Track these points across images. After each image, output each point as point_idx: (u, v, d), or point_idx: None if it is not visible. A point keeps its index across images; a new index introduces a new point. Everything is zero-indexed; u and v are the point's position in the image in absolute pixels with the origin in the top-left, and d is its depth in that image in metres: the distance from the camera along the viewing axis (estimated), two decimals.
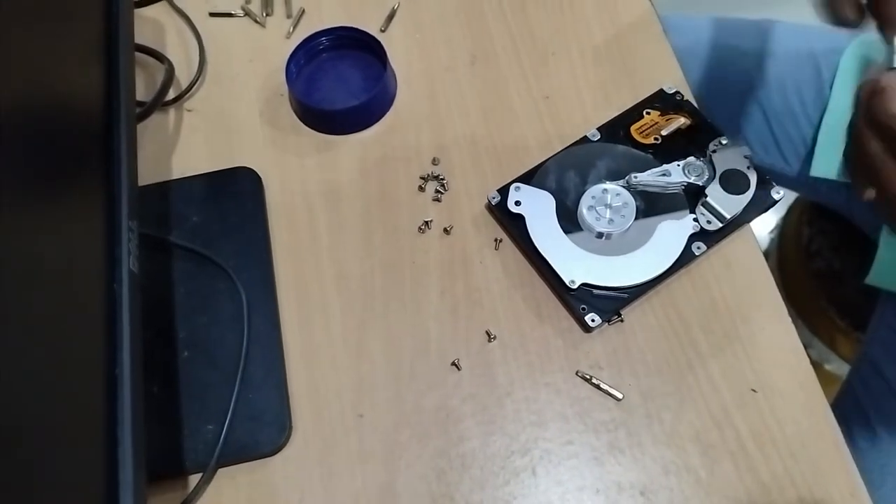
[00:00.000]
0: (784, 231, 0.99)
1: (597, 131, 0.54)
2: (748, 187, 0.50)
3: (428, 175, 0.54)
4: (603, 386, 0.47)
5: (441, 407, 0.47)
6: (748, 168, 0.50)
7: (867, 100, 0.39)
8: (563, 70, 0.58)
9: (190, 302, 0.51)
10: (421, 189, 0.54)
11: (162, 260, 0.52)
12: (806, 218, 0.94)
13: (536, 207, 0.51)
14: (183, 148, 0.58)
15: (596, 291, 0.48)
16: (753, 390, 0.46)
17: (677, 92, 0.55)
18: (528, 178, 0.52)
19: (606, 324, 0.48)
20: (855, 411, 0.66)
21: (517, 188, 0.51)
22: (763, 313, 0.49)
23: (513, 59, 0.59)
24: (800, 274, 0.90)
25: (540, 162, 0.53)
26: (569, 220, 0.50)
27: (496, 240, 0.52)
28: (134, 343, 0.38)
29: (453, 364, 0.48)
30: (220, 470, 0.46)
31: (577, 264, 0.48)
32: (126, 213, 0.41)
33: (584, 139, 0.53)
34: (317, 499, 0.45)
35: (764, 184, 0.50)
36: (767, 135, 0.74)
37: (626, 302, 0.48)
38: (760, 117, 0.74)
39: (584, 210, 0.50)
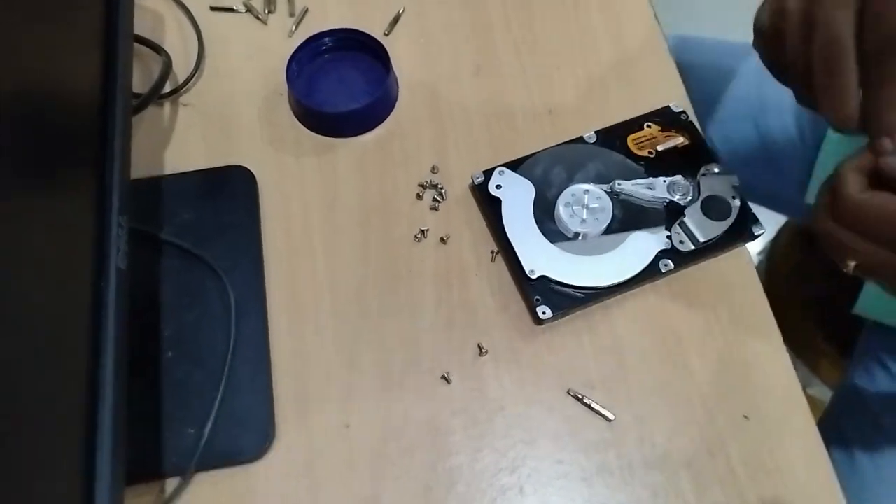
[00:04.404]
0: (773, 254, 1.00)
1: (594, 134, 0.53)
2: (728, 216, 0.50)
3: (426, 183, 0.54)
4: (594, 406, 0.46)
5: (430, 420, 0.46)
6: (733, 198, 0.50)
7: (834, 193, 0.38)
8: (568, 85, 0.58)
9: (177, 300, 0.50)
10: (419, 197, 0.53)
11: (151, 256, 0.51)
12: (798, 242, 0.95)
13: (516, 194, 0.51)
14: (177, 143, 0.56)
15: (553, 286, 0.48)
16: (746, 416, 0.46)
17: (683, 112, 0.55)
18: (515, 165, 0.52)
19: (555, 320, 0.48)
20: (836, 437, 0.66)
21: (501, 172, 0.52)
22: (758, 338, 0.48)
23: (517, 71, 0.58)
24: (787, 297, 0.90)
25: (531, 153, 0.53)
26: (545, 214, 0.51)
27: (492, 252, 0.51)
28: (118, 344, 0.37)
29: (443, 377, 0.47)
30: (199, 474, 0.45)
31: (541, 256, 0.49)
32: (117, 208, 0.40)
33: (580, 139, 0.53)
34: None
35: (746, 217, 0.50)
36: (764, 158, 0.74)
37: (582, 303, 0.48)
38: (757, 140, 0.74)
39: (560, 206, 0.50)
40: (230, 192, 0.54)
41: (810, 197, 0.70)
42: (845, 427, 0.67)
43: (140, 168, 0.54)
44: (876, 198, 0.36)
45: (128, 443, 0.45)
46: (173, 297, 0.50)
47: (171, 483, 0.45)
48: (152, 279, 0.50)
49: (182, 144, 0.56)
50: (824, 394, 0.88)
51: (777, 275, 0.94)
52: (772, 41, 0.42)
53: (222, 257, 0.51)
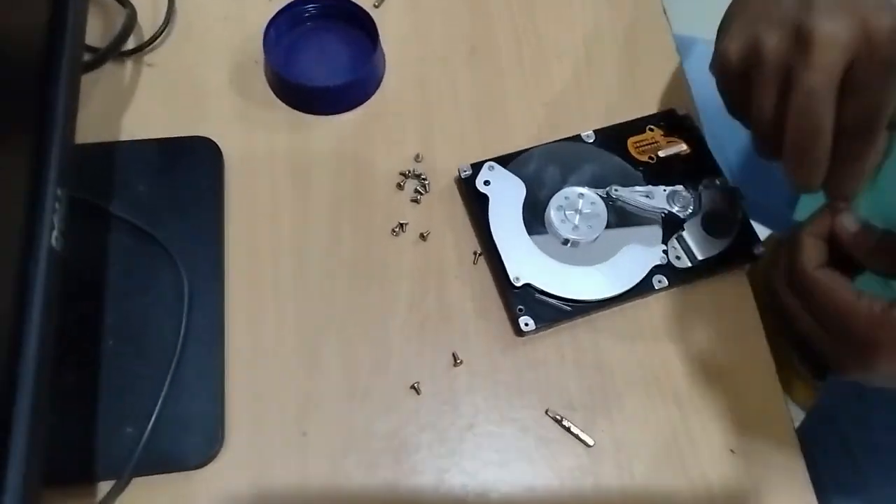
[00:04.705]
0: (754, 267, 0.97)
1: (592, 133, 0.50)
2: (730, 234, 0.47)
3: (409, 172, 0.49)
4: (574, 429, 0.43)
5: (395, 434, 0.43)
6: (735, 214, 0.47)
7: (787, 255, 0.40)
8: (567, 77, 0.54)
9: (123, 284, 0.45)
10: (399, 187, 0.49)
11: (97, 231, 0.46)
12: (767, 260, 0.93)
13: (505, 193, 0.47)
14: (137, 106, 0.51)
15: (539, 296, 0.45)
16: (732, 451, 0.43)
17: (688, 116, 0.51)
18: (506, 160, 0.48)
19: (537, 332, 0.44)
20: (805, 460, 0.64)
21: (491, 167, 0.48)
22: (750, 368, 0.45)
23: (514, 58, 0.54)
24: (765, 314, 0.88)
25: (524, 148, 0.49)
26: (534, 216, 0.47)
27: (475, 253, 0.47)
28: (43, 335, 0.32)
29: (412, 387, 0.44)
30: (135, 480, 0.41)
31: (527, 262, 0.45)
32: (54, 179, 0.35)
33: (577, 138, 0.50)
34: None
35: (748, 236, 0.47)
36: (756, 168, 0.71)
37: (567, 316, 0.45)
38: (751, 151, 0.71)
39: (552, 209, 0.47)
40: (192, 166, 0.49)
41: (799, 213, 0.67)
42: (814, 451, 0.65)
43: (92, 131, 0.49)
44: (827, 280, 0.37)
45: (56, 441, 0.41)
46: (120, 280, 0.45)
47: (105, 487, 0.40)
48: (97, 258, 0.45)
49: (142, 108, 0.51)
50: (796, 415, 0.87)
51: (757, 287, 0.92)
52: (738, 82, 0.40)
53: (178, 238, 0.46)
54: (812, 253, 0.38)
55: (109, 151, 0.49)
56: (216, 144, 0.49)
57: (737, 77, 0.40)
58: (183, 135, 0.50)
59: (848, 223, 0.39)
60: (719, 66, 0.41)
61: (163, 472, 0.41)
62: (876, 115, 0.36)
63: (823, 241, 0.40)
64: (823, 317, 0.38)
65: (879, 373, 0.36)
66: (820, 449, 0.66)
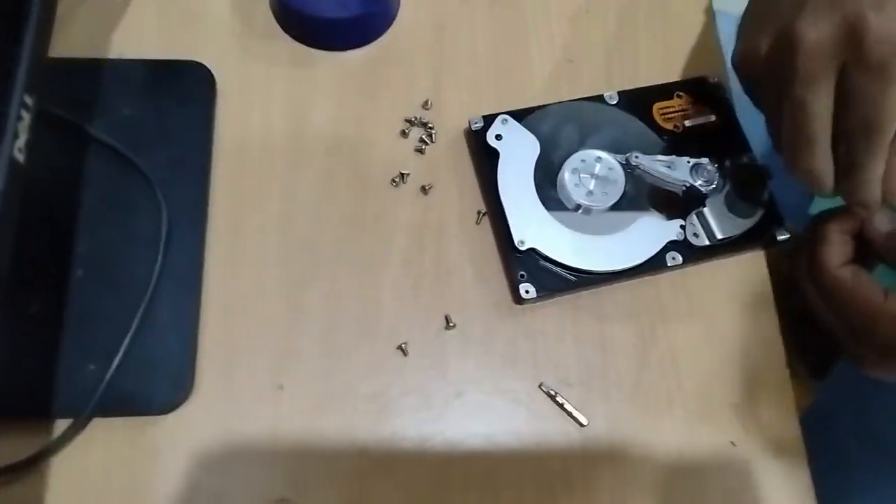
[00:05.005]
0: (778, 253, 0.95)
1: (616, 94, 0.46)
2: (754, 214, 0.44)
3: (415, 119, 0.46)
4: (567, 407, 0.40)
5: (377, 395, 0.40)
6: (762, 195, 0.44)
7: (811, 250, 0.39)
8: (596, 34, 0.50)
9: (98, 211, 0.42)
10: (404, 134, 0.46)
11: (72, 152, 0.43)
12: (792, 249, 0.90)
13: (517, 150, 0.44)
14: (129, 23, 0.47)
15: (543, 263, 0.42)
16: (733, 443, 0.41)
17: (720, 85, 0.47)
18: (521, 115, 0.45)
19: (538, 301, 0.41)
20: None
21: (504, 121, 0.44)
22: (760, 357, 0.43)
23: (539, 8, 0.50)
24: (783, 301, 0.86)
25: (542, 104, 0.45)
26: (546, 177, 0.43)
27: (479, 212, 0.44)
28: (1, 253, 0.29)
29: (399, 348, 0.41)
30: (96, 420, 0.38)
31: (534, 226, 0.42)
32: (22, 83, 0.31)
33: (600, 98, 0.46)
34: (206, 478, 0.37)
35: (772, 218, 0.44)
36: (775, 160, 0.68)
37: (572, 287, 0.42)
38: (771, 140, 0.68)
39: (566, 171, 0.43)
40: (183, 93, 0.45)
41: (815, 208, 0.64)
42: (810, 449, 0.64)
43: (78, 45, 0.46)
44: (852, 279, 0.37)
45: (13, 372, 0.38)
46: (94, 207, 0.42)
47: (62, 425, 0.38)
48: (71, 181, 0.42)
49: (134, 26, 0.47)
50: None
51: (774, 276, 0.90)
52: (746, 81, 0.40)
53: (161, 168, 0.42)
54: (837, 249, 0.37)
55: (94, 68, 0.45)
56: (210, 72, 0.46)
57: (746, 80, 0.40)
58: (176, 58, 0.46)
59: (880, 223, 0.38)
60: (734, 66, 0.41)
61: (125, 415, 0.38)
62: (873, 122, 0.34)
63: (849, 236, 0.38)
64: (847, 316, 0.36)
65: None
66: (815, 449, 0.64)
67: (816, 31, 0.33)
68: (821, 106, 0.34)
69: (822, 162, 0.36)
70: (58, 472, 0.37)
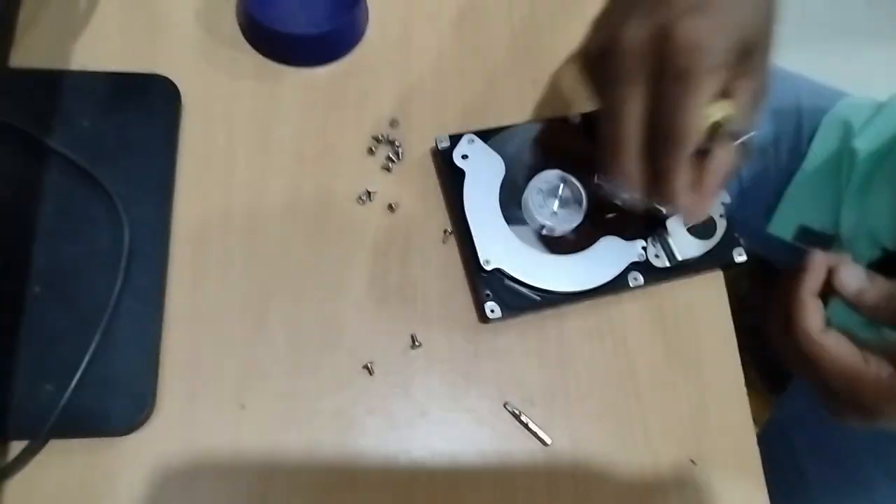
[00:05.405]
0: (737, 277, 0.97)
1: (580, 116, 0.47)
2: (712, 235, 0.45)
3: (382, 137, 0.46)
4: (532, 426, 0.40)
5: (342, 413, 0.40)
6: (720, 216, 0.45)
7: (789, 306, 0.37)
8: (560, 54, 0.50)
9: (58, 227, 0.41)
10: (371, 152, 0.46)
11: (30, 165, 0.42)
12: (748, 269, 0.92)
13: (483, 170, 0.44)
14: (92, 34, 0.46)
15: (508, 282, 0.42)
16: (693, 461, 0.41)
17: None
18: (487, 135, 0.45)
19: (503, 320, 0.42)
20: None
21: (471, 140, 0.44)
22: (718, 376, 0.44)
23: (506, 26, 0.51)
24: (739, 318, 0.88)
25: (507, 125, 0.46)
26: (511, 198, 0.44)
27: (445, 231, 0.44)
28: None
29: (365, 367, 0.41)
30: (53, 442, 0.37)
31: (500, 246, 0.42)
32: None
33: (564, 120, 0.47)
34: (168, 497, 0.37)
35: (730, 240, 0.45)
36: (733, 179, 0.69)
37: (537, 307, 0.42)
38: None
39: (531, 192, 0.44)
40: (146, 106, 0.44)
41: (774, 228, 0.66)
42: (766, 464, 0.65)
43: (37, 56, 0.45)
44: (834, 345, 0.35)
45: None
46: (54, 222, 0.41)
47: (17, 447, 0.37)
48: (28, 195, 0.41)
49: (97, 37, 0.46)
50: None
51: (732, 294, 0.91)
52: (585, 77, 0.39)
53: (123, 182, 0.42)
54: (815, 315, 0.36)
55: (54, 80, 0.44)
56: (174, 85, 0.45)
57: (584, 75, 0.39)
58: (140, 71, 0.45)
59: (848, 279, 0.37)
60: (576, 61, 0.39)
61: (84, 436, 0.37)
62: (675, 130, 0.34)
63: (818, 296, 0.37)
64: (829, 378, 0.36)
65: (880, 426, 0.35)
66: (772, 465, 0.65)
67: (632, 36, 0.33)
68: (631, 109, 0.34)
69: (632, 164, 0.35)
70: (12, 496, 0.36)
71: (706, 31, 0.32)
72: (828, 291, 0.38)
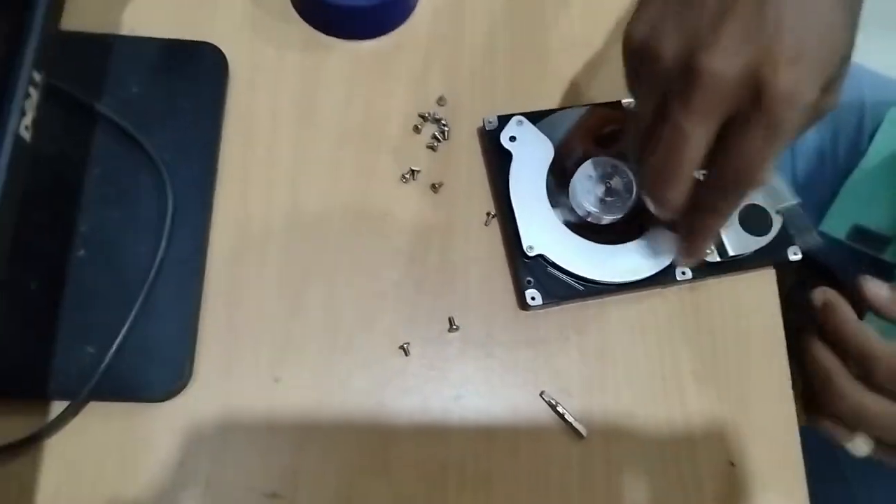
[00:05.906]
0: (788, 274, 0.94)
1: (634, 102, 0.45)
2: (767, 232, 0.43)
3: (429, 115, 0.45)
4: (567, 417, 0.40)
5: (375, 394, 0.39)
6: (777, 212, 0.43)
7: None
8: (617, 37, 0.48)
9: (103, 190, 0.41)
10: (416, 129, 0.45)
11: (78, 129, 0.42)
12: (796, 265, 0.89)
13: (531, 152, 0.43)
14: (143, 0, 0.46)
15: (551, 269, 0.41)
16: (732, 464, 0.40)
17: None
18: (537, 117, 0.44)
19: (544, 308, 0.41)
20: None
21: (519, 122, 0.43)
22: (764, 378, 0.42)
23: (561, 7, 0.49)
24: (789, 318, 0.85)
25: (558, 107, 0.45)
26: (559, 184, 0.43)
27: (488, 213, 0.43)
28: (2, 239, 0.29)
29: (401, 348, 0.40)
30: (92, 404, 0.38)
31: (544, 232, 0.41)
32: (31, 60, 0.31)
33: (618, 104, 0.45)
34: (200, 465, 0.37)
35: (786, 238, 0.43)
36: (788, 172, 0.67)
37: (579, 296, 0.41)
38: (786, 152, 0.67)
39: (579, 179, 0.42)
40: (194, 74, 0.44)
41: (827, 225, 0.64)
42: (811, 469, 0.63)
43: (89, 19, 0.45)
44: (874, 404, 0.37)
45: (8, 351, 0.38)
46: (99, 186, 0.41)
47: (58, 407, 0.37)
48: (76, 159, 0.41)
49: (147, 2, 0.46)
50: None
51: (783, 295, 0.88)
52: (630, 63, 0.36)
53: (168, 150, 0.42)
54: (852, 387, 0.38)
55: (105, 44, 0.44)
56: (223, 53, 0.45)
57: (632, 62, 0.35)
58: (188, 38, 0.45)
59: (877, 290, 0.39)
60: (624, 38, 0.35)
61: (122, 400, 0.38)
62: (746, 174, 0.32)
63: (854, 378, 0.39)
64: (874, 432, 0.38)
65: None
66: (814, 465, 0.63)
67: (722, 69, 0.30)
68: (699, 141, 0.32)
69: (679, 193, 0.34)
70: (52, 454, 0.37)
71: (805, 84, 0.30)
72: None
